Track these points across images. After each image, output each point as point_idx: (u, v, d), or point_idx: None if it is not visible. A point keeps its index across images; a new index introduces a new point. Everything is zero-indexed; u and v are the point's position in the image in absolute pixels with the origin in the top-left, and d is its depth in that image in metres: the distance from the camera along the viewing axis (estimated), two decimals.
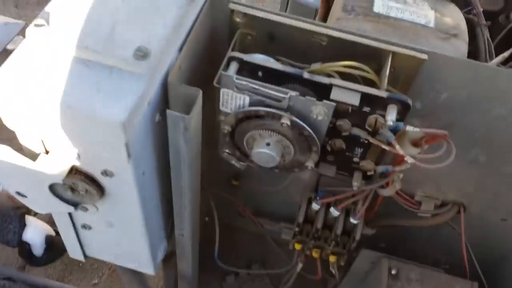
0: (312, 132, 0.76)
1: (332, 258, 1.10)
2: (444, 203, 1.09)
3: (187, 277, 1.18)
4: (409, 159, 0.79)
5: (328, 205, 1.01)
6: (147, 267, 1.00)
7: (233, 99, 0.77)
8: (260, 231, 1.41)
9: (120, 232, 0.88)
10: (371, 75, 0.78)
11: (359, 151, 0.85)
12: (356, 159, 0.87)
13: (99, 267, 1.87)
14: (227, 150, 0.88)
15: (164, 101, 0.72)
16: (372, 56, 0.79)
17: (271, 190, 1.23)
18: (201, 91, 0.69)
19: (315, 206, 0.99)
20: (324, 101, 0.73)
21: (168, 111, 0.67)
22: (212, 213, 1.12)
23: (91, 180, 0.74)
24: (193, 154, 0.78)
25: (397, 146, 0.78)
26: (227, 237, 1.41)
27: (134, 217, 0.82)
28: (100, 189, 0.75)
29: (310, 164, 0.81)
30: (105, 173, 0.71)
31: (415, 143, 0.88)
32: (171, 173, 0.80)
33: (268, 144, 0.78)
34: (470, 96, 0.85)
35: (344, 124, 0.79)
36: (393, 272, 1.08)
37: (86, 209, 0.82)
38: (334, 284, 1.36)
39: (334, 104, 0.73)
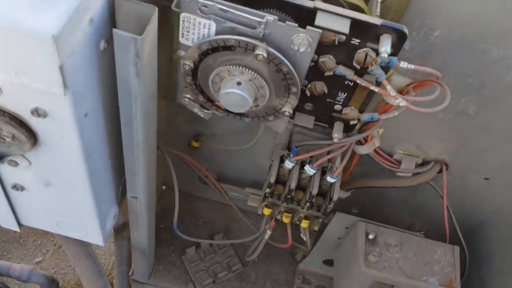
0: (292, 68, 0.64)
1: (304, 223, 0.99)
2: (425, 161, 1.01)
3: (142, 249, 1.05)
4: (401, 101, 0.69)
5: (302, 164, 0.90)
6: (94, 237, 0.86)
7: (196, 27, 0.64)
8: (223, 199, 1.29)
9: (60, 193, 0.74)
10: (360, 2, 0.67)
11: (342, 96, 0.74)
12: (338, 107, 0.76)
13: (43, 243, 1.70)
14: (188, 96, 0.74)
15: (111, 23, 0.58)
16: None
17: (236, 150, 1.11)
18: (156, 8, 0.55)
19: (288, 164, 0.87)
20: (309, 27, 0.60)
21: (115, 30, 0.54)
22: (170, 178, 0.99)
23: (19, 123, 0.59)
24: (148, 94, 0.64)
25: (389, 86, 0.68)
26: (186, 206, 1.29)
27: (76, 172, 0.67)
28: (32, 135, 0.61)
29: (287, 109, 0.69)
30: (36, 112, 0.57)
31: (402, 91, 0.79)
32: (121, 119, 0.66)
33: (239, 84, 0.65)
34: (465, 35, 0.75)
35: (328, 61, 0.67)
36: (370, 236, 0.99)
37: (15, 164, 0.67)
38: (303, 253, 1.26)
39: (320, 31, 0.61)
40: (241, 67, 0.64)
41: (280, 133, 0.81)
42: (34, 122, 0.59)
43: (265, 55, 0.61)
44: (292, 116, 0.77)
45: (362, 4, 0.67)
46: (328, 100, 0.75)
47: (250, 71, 0.64)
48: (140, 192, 0.82)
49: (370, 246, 0.99)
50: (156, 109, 0.70)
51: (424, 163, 1.01)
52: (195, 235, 1.27)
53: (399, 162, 1.00)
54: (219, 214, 1.33)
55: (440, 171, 1.00)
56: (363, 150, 0.93)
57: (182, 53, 0.67)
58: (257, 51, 0.61)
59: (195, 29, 0.64)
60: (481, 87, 0.82)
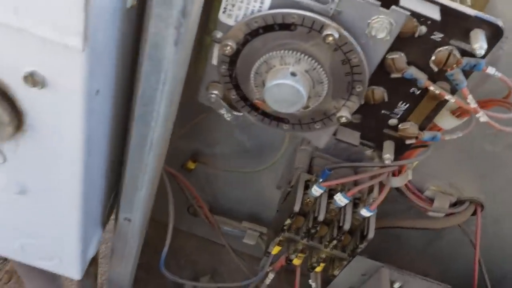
0: (364, 59, 0.51)
1: (319, 267, 0.84)
2: (458, 200, 0.89)
3: (121, 287, 0.85)
4: (482, 116, 0.57)
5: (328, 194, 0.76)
6: (70, 267, 0.67)
7: (245, 0, 0.50)
8: (212, 235, 1.12)
9: (37, 204, 0.56)
10: None
11: (402, 107, 0.61)
12: (393, 121, 0.63)
13: None
14: (215, 92, 0.59)
15: None
16: None
17: (238, 176, 0.96)
18: None
19: (315, 190, 0.73)
20: (394, 7, 0.48)
21: None
22: (165, 198, 0.82)
23: (1, 94, 0.42)
24: (180, 76, 0.49)
25: (470, 96, 0.56)
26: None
27: (67, 174, 0.50)
28: (16, 115, 0.44)
29: (345, 114, 0.56)
30: (31, 79, 0.40)
31: (455, 113, 0.67)
32: (137, 107, 0.50)
33: (293, 74, 0.51)
34: None
35: (399, 59, 0.55)
36: (396, 286, 0.85)
37: None
38: None
39: (407, 13, 0.48)
40: (298, 54, 0.51)
41: (320, 147, 0.67)
42: (24, 95, 0.43)
43: (336, 36, 0.48)
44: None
45: None
46: (383, 111, 0.62)
47: (309, 59, 0.51)
48: (136, 213, 0.65)
49: None
50: (177, 105, 0.55)
51: (457, 203, 0.89)
52: (177, 276, 1.08)
53: (431, 200, 0.88)
54: (204, 252, 1.16)
55: (474, 213, 0.89)
56: (396, 182, 0.80)
57: (219, 34, 0.53)
58: (327, 31, 0.48)
59: (243, 3, 0.50)
60: None
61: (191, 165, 0.96)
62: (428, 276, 1.07)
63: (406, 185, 0.85)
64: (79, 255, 0.64)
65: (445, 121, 0.67)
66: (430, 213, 0.87)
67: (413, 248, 1.02)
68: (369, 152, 0.77)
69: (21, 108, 0.44)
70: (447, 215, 0.87)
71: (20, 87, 0.42)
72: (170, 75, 0.46)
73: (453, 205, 0.89)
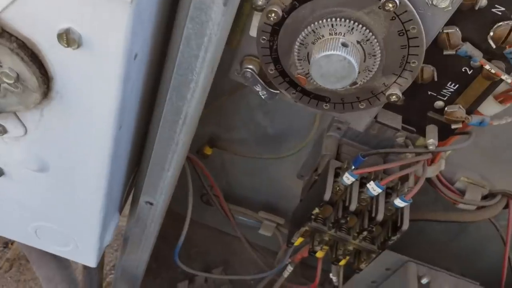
0: (423, 31, 0.46)
1: (344, 260, 0.80)
2: (490, 193, 0.85)
3: (133, 278, 0.81)
4: None
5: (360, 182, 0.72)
6: (86, 254, 0.62)
7: None
8: (224, 226, 1.08)
9: (58, 184, 0.51)
10: None
11: (451, 88, 0.57)
12: (439, 103, 0.59)
13: None
14: (251, 66, 0.55)
15: None
16: None
17: (258, 162, 0.92)
18: None
19: (347, 178, 0.68)
20: None
21: None
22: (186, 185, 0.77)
23: (31, 55, 0.38)
24: (221, 44, 0.44)
25: None
26: (177, 230, 1.06)
27: (96, 150, 0.46)
28: (46, 79, 0.39)
29: (396, 91, 0.51)
30: (66, 37, 0.36)
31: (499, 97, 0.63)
32: (174, 78, 0.45)
33: (344, 45, 0.47)
34: None
35: (454, 34, 0.50)
36: (424, 281, 0.81)
37: (2, 129, 0.45)
38: None
39: None
40: (351, 22, 0.46)
41: (360, 131, 0.63)
42: (56, 56, 0.38)
43: (397, 3, 0.44)
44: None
45: None
46: (429, 92, 0.58)
47: (363, 28, 0.46)
48: (160, 196, 0.60)
49: None
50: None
51: (488, 196, 0.85)
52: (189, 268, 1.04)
53: (461, 192, 0.84)
54: (216, 243, 1.11)
55: (506, 207, 0.85)
56: (429, 172, 0.76)
57: (260, 1, 0.49)
58: None
59: None
60: None
61: (207, 151, 0.91)
62: (451, 271, 1.04)
63: (437, 176, 0.81)
64: (97, 242, 0.60)
65: (488, 106, 0.62)
66: (461, 206, 0.83)
67: (437, 242, 0.98)
68: (400, 139, 0.73)
69: (51, 72, 0.39)
70: (478, 208, 0.83)
71: (52, 47, 0.37)
72: (214, 40, 0.41)
73: (484, 197, 0.85)
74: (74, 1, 0.34)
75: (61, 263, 0.70)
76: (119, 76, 0.38)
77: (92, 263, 0.64)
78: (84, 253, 0.62)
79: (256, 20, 0.51)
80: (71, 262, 0.86)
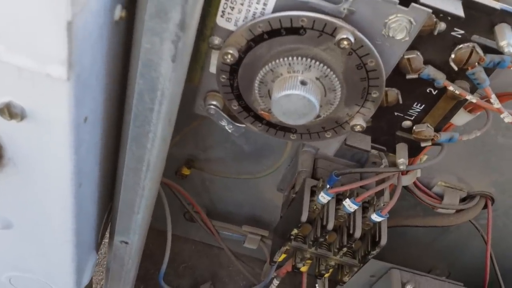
0: (381, 63, 0.46)
1: (326, 274, 0.80)
2: (468, 195, 0.85)
3: None
4: (507, 117, 0.52)
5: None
6: None
7: (246, 2, 0.45)
8: (209, 239, 1.08)
9: (25, 238, 0.50)
10: None
11: (417, 108, 0.56)
12: (407, 123, 0.59)
13: None
14: (214, 103, 0.54)
15: None
16: None
17: (236, 180, 0.91)
18: None
19: (323, 197, 0.68)
20: (414, 5, 0.43)
21: None
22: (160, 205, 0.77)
23: None
24: (177, 93, 0.43)
25: (493, 96, 0.51)
26: (164, 247, 1.06)
27: (57, 208, 0.45)
28: None
29: (359, 122, 0.51)
30: (8, 111, 0.35)
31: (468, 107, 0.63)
32: (131, 130, 0.44)
33: (303, 83, 0.46)
34: None
35: (415, 59, 0.50)
36: (408, 287, 0.82)
37: None
38: None
39: (429, 11, 0.43)
40: (308, 60, 0.45)
41: (329, 155, 0.62)
42: (1, 129, 0.37)
43: (352, 40, 0.43)
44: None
45: None
46: (396, 113, 0.57)
47: (320, 65, 0.46)
48: (134, 236, 0.60)
49: None
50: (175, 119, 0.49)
51: (467, 198, 0.85)
52: (175, 285, 1.04)
53: (439, 196, 0.84)
54: (203, 257, 1.11)
55: (485, 207, 0.85)
56: (404, 181, 0.76)
57: (217, 40, 0.48)
58: (341, 35, 0.43)
59: (244, 5, 0.45)
60: None
61: (185, 171, 0.90)
62: (436, 270, 1.05)
63: (414, 182, 0.81)
64: (74, 285, 0.59)
65: (458, 116, 0.62)
66: (440, 210, 0.83)
67: (420, 244, 0.99)
68: (375, 151, 0.73)
69: None
70: (458, 211, 0.83)
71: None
72: (167, 94, 0.40)
73: (463, 200, 0.85)
74: (12, 76, 0.33)
75: None
76: (69, 141, 0.37)
77: None
78: None
79: (214, 58, 0.50)
80: None
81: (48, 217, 0.46)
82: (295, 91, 0.45)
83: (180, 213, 1.00)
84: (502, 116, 0.53)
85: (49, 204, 0.44)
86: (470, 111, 0.63)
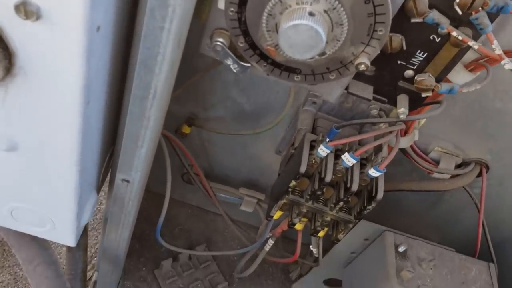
0: None
1: (322, 232, 0.81)
2: (464, 162, 0.86)
3: (116, 257, 0.81)
4: (508, 64, 0.54)
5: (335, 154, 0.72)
6: (64, 234, 0.63)
7: None
8: (206, 203, 1.08)
9: (29, 162, 0.51)
10: None
11: (420, 57, 0.58)
12: (409, 72, 0.60)
13: None
14: (220, 40, 0.55)
15: None
16: None
17: (235, 139, 0.92)
18: None
19: (322, 150, 0.69)
20: None
21: None
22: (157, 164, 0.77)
23: None
24: (188, 7, 0.44)
25: (495, 42, 0.52)
26: (159, 209, 1.07)
27: (64, 126, 0.45)
28: (6, 54, 0.39)
29: (364, 60, 0.52)
30: (24, 9, 0.35)
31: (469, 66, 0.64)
32: (141, 49, 0.45)
33: (311, 14, 0.47)
34: None
35: (420, 1, 0.51)
36: (401, 249, 0.83)
37: None
38: (299, 271, 1.07)
39: None
40: None
41: (331, 102, 0.63)
42: (15, 30, 0.37)
43: None
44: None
45: None
46: (399, 62, 0.58)
47: None
48: (136, 173, 0.60)
49: (401, 260, 0.82)
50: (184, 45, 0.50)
51: (462, 165, 0.86)
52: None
53: (436, 161, 0.85)
54: (198, 221, 1.12)
55: (479, 175, 0.86)
56: (403, 142, 0.77)
57: None
58: None
59: None
60: None
61: (186, 130, 0.91)
62: (429, 240, 1.06)
63: (411, 146, 0.82)
64: (74, 220, 0.60)
65: (458, 75, 0.63)
66: (435, 175, 0.85)
67: (414, 212, 1.00)
68: (374, 111, 0.74)
69: (11, 47, 0.39)
70: (453, 176, 0.85)
71: (10, 19, 0.36)
72: (179, 10, 0.41)
73: (458, 166, 0.86)
74: None
75: (40, 244, 0.70)
76: (82, 48, 0.38)
77: (71, 242, 0.64)
78: (62, 232, 0.62)
79: None
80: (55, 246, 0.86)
81: (55, 136, 0.47)
82: (303, 21, 0.46)
83: (178, 174, 1.01)
84: (502, 62, 0.54)
85: (57, 121, 0.45)
86: (471, 70, 0.64)
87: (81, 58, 0.39)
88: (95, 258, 1.28)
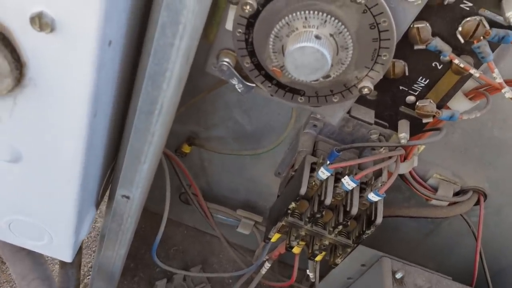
0: (393, 24, 0.48)
1: (320, 256, 0.81)
2: (462, 190, 0.87)
3: (110, 274, 0.80)
4: (508, 92, 0.55)
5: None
6: (62, 248, 0.62)
7: None
8: (202, 224, 1.08)
9: (33, 174, 0.51)
10: None
11: (421, 83, 0.59)
12: (411, 98, 0.60)
13: None
14: (227, 60, 0.56)
15: None
16: None
17: (236, 160, 0.92)
18: None
19: (322, 172, 0.69)
20: None
21: None
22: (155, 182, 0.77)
23: (3, 39, 0.38)
24: (199, 23, 0.45)
25: (496, 70, 0.53)
26: (155, 229, 1.06)
27: (70, 137, 0.46)
28: (18, 64, 0.39)
29: (367, 84, 0.53)
30: (39, 21, 0.36)
31: (469, 94, 0.66)
32: (150, 64, 0.46)
33: (318, 38, 0.48)
34: None
35: (424, 29, 0.52)
36: (398, 276, 0.82)
37: None
38: None
39: None
40: (324, 15, 0.47)
41: (332, 126, 0.64)
42: (28, 41, 0.38)
43: None
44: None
45: None
46: (401, 87, 0.59)
47: (335, 21, 0.48)
48: (136, 190, 0.60)
49: (398, 287, 0.82)
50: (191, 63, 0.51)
51: (460, 192, 0.87)
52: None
53: (434, 188, 0.85)
54: (194, 242, 1.11)
55: (477, 203, 0.87)
56: (402, 168, 0.77)
57: None
58: None
59: None
60: None
61: (186, 149, 0.91)
62: (426, 268, 1.06)
63: (410, 172, 0.83)
64: (72, 235, 0.59)
65: (458, 103, 0.64)
66: (433, 202, 0.85)
67: (411, 239, 1.00)
68: (374, 136, 0.75)
69: (23, 58, 0.39)
70: (450, 204, 0.85)
71: (25, 31, 0.37)
72: (189, 28, 0.42)
73: (456, 194, 0.87)
74: None
75: (36, 260, 0.69)
76: (93, 61, 0.39)
77: (67, 257, 0.64)
78: (59, 247, 0.62)
79: (232, 14, 0.52)
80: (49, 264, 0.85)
81: (60, 147, 0.47)
82: (310, 43, 0.47)
83: (175, 194, 1.00)
84: (503, 91, 0.55)
85: (63, 132, 0.45)
86: (471, 99, 0.65)
87: (92, 71, 0.39)
88: (88, 277, 1.27)
